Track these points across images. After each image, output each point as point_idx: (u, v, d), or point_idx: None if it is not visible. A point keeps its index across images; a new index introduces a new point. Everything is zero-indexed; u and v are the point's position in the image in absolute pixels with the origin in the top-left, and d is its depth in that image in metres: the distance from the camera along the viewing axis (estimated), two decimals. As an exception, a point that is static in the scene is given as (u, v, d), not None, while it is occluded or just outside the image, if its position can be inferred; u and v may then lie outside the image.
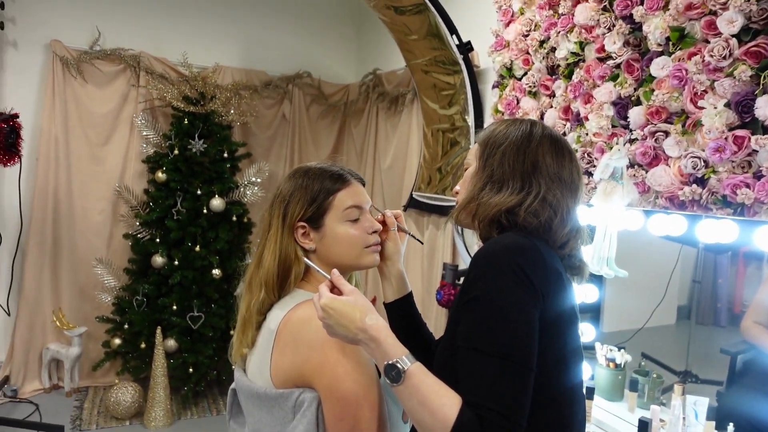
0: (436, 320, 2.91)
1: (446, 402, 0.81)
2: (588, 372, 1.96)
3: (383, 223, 1.15)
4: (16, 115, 2.71)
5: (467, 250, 2.63)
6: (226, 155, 3.45)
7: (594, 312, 2.09)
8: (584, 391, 1.06)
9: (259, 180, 3.53)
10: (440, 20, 2.62)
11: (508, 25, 2.46)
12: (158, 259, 3.30)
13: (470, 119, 2.74)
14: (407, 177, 3.37)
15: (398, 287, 1.15)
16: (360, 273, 1.21)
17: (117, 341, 3.33)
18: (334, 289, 0.92)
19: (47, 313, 3.36)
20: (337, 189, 1.05)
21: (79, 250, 3.44)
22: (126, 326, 3.33)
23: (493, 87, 2.56)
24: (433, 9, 2.59)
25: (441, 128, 3.02)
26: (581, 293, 1.95)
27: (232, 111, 3.53)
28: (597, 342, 1.99)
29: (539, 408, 0.87)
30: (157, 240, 3.35)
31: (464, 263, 2.69)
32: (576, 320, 0.97)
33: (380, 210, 1.15)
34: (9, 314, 3.20)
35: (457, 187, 1.07)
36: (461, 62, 2.68)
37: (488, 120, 2.64)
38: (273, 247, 1.03)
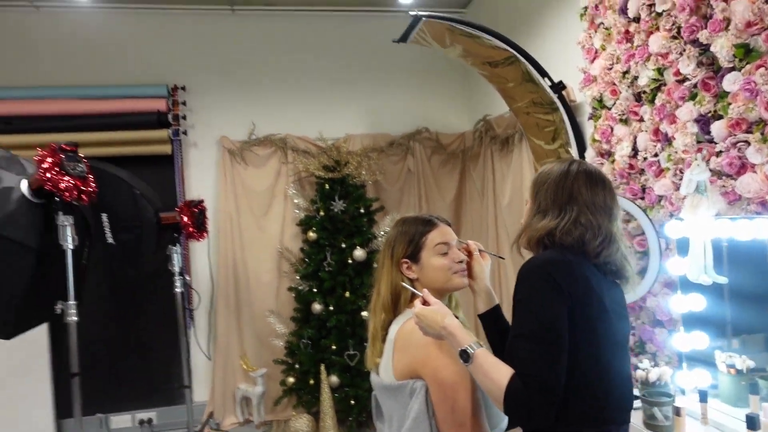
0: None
1: (502, 374, 1.15)
2: (707, 378, 2.02)
3: (469, 251, 1.49)
4: (202, 201, 3.49)
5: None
6: (362, 211, 3.98)
7: (709, 320, 2.14)
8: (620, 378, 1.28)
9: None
10: (531, 67, 2.91)
11: (593, 61, 2.69)
12: (317, 306, 3.87)
13: (573, 151, 2.95)
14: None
15: (487, 301, 1.46)
16: (459, 294, 1.54)
17: (291, 380, 3.91)
18: (425, 302, 1.28)
19: (236, 357, 4.08)
20: (428, 231, 1.43)
21: (254, 304, 4.14)
22: (297, 366, 3.91)
23: (589, 119, 2.77)
24: (522, 59, 2.90)
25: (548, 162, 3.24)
26: (686, 303, 2.02)
27: (363, 172, 4.08)
28: (717, 350, 2.04)
29: (576, 385, 1.15)
30: (314, 290, 3.92)
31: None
32: (607, 315, 1.21)
33: (463, 241, 1.49)
34: (209, 359, 3.97)
35: (522, 219, 1.38)
36: (557, 101, 2.92)
37: (590, 149, 2.83)
38: (386, 280, 1.42)
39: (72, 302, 2.52)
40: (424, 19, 2.85)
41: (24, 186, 2.43)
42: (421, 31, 3.00)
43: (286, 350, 3.98)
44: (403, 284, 1.39)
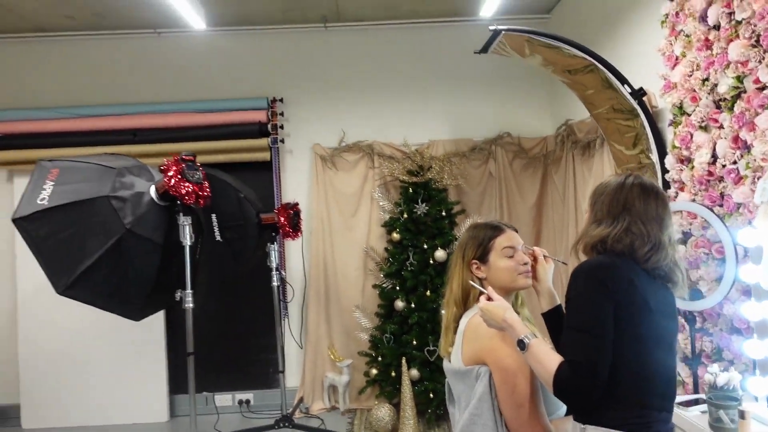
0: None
1: (552, 361, 1.32)
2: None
3: (534, 256, 1.64)
4: (297, 203, 3.83)
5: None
6: (443, 213, 4.17)
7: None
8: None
9: (473, 231, 4.15)
10: (610, 75, 2.96)
11: (673, 68, 2.71)
12: (399, 304, 4.10)
13: (654, 157, 2.97)
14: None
15: (549, 301, 1.61)
16: (526, 294, 1.70)
17: (374, 371, 4.17)
18: (490, 299, 1.47)
19: (324, 348, 4.41)
20: (496, 235, 1.60)
21: (342, 300, 4.45)
22: (380, 359, 4.16)
23: (669, 125, 2.79)
24: (601, 67, 2.96)
25: (629, 168, 3.26)
26: (760, 311, 2.01)
27: (445, 176, 4.26)
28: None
29: (620, 378, 1.29)
30: (397, 288, 4.16)
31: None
32: (651, 314, 1.34)
33: (529, 248, 1.65)
34: (301, 347, 4.33)
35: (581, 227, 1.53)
36: (637, 107, 2.95)
37: (669, 156, 2.85)
38: (457, 278, 1.62)
39: (189, 291, 2.92)
40: (503, 32, 2.99)
41: (152, 191, 2.87)
42: (501, 43, 3.15)
43: (370, 343, 4.24)
44: (471, 282, 1.57)
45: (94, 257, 2.63)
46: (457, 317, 1.61)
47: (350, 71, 4.55)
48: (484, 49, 3.27)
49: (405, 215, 4.18)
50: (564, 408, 1.49)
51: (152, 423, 4.27)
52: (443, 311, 1.68)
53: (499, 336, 1.46)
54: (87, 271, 2.62)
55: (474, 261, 1.61)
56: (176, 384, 4.29)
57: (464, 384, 1.52)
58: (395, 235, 4.19)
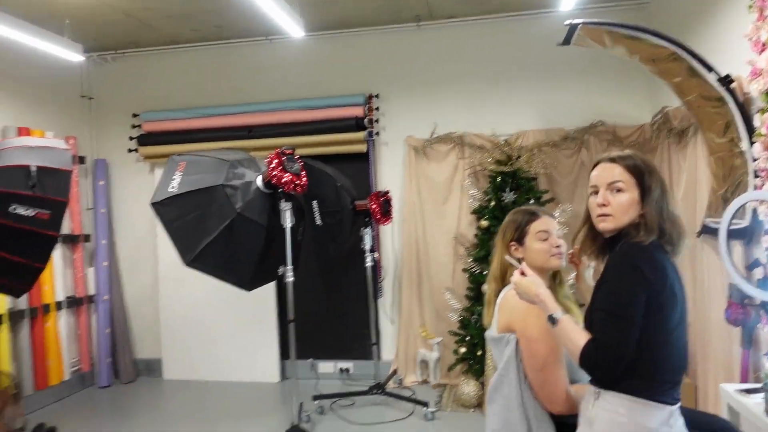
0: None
1: (580, 337, 1.46)
2: None
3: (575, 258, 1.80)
4: (388, 191, 4.16)
5: (735, 270, 2.74)
6: (531, 202, 4.26)
7: None
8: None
9: (562, 220, 4.21)
10: (695, 62, 2.92)
11: (761, 53, 2.63)
12: (486, 288, 4.28)
13: (744, 145, 2.89)
14: (699, 205, 3.54)
15: None
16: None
17: (462, 349, 4.40)
18: (523, 273, 1.64)
19: (416, 325, 4.72)
20: (532, 220, 1.79)
21: (433, 281, 4.72)
22: (467, 338, 4.38)
23: (755, 112, 2.71)
24: (685, 55, 2.92)
25: (720, 156, 3.18)
26: None
27: (534, 165, 4.35)
28: None
29: (644, 352, 1.42)
30: (485, 273, 4.34)
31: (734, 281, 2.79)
32: (675, 299, 1.45)
33: (560, 237, 1.81)
34: (393, 323, 4.70)
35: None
36: (725, 94, 2.88)
37: (758, 143, 2.76)
38: (498, 257, 1.83)
39: (290, 267, 3.37)
40: (580, 25, 3.06)
41: (259, 180, 3.34)
42: (581, 35, 3.21)
43: (459, 323, 4.48)
44: (507, 258, 1.77)
45: (212, 236, 3.16)
46: (496, 292, 1.82)
47: (441, 66, 4.76)
48: (566, 41, 3.33)
49: (493, 203, 4.33)
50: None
51: (266, 383, 4.87)
52: (485, 287, 1.90)
53: (527, 309, 1.65)
54: (207, 247, 3.16)
55: (512, 242, 1.81)
56: (286, 350, 4.85)
57: (498, 349, 1.74)
58: (483, 222, 4.37)
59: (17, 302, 4.20)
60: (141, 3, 4.04)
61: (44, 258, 2.84)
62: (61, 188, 2.80)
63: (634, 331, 1.41)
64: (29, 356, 4.34)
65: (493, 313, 1.83)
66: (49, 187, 2.70)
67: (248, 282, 3.43)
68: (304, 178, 3.28)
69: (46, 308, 4.48)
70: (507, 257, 1.78)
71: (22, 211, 2.60)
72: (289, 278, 3.39)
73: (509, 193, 4.26)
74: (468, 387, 4.17)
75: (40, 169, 2.71)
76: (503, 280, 1.81)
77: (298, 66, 4.94)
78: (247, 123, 4.86)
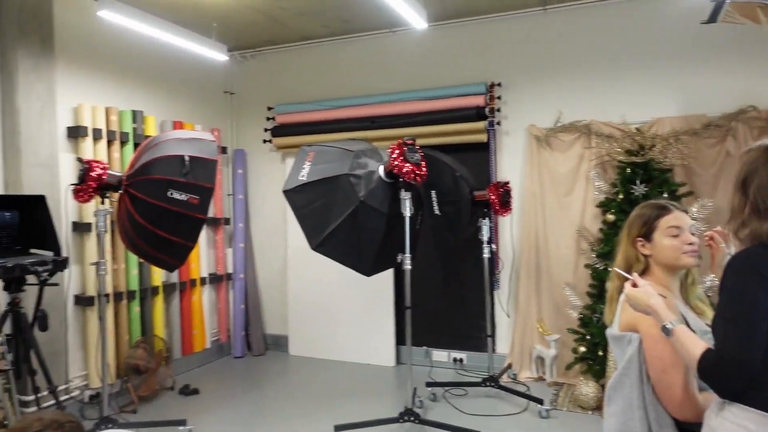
0: None
1: (697, 347, 1.39)
2: None
3: (712, 241, 1.68)
4: (508, 182, 4.10)
5: None
6: (665, 196, 3.96)
7: None
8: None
9: (701, 216, 3.88)
10: None
11: None
12: (609, 285, 4.07)
13: None
14: None
15: None
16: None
17: (582, 349, 4.23)
18: (635, 285, 1.58)
19: (533, 320, 4.62)
20: (662, 215, 1.69)
21: (553, 275, 4.58)
22: (588, 337, 4.21)
23: None
24: None
25: None
26: None
27: (670, 156, 4.03)
28: None
29: None
30: (610, 270, 4.12)
31: None
32: None
33: (700, 228, 1.68)
34: (508, 317, 4.64)
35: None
36: None
37: None
38: (622, 254, 1.75)
39: (408, 254, 3.46)
40: (729, 0, 2.79)
41: (381, 170, 3.46)
42: (729, 12, 2.93)
43: (579, 321, 4.31)
44: (617, 269, 1.70)
45: (337, 222, 3.34)
46: (619, 289, 1.75)
47: (568, 51, 4.56)
48: (712, 19, 3.07)
49: (621, 196, 4.10)
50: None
51: (382, 366, 5.06)
52: (608, 283, 1.83)
53: None
54: (332, 233, 3.36)
55: (639, 239, 1.72)
56: (402, 336, 4.99)
57: (618, 347, 1.67)
58: (609, 216, 4.15)
59: (170, 276, 4.76)
60: (277, 2, 4.33)
61: (194, 237, 3.21)
62: (209, 175, 3.14)
63: (758, 339, 1.31)
64: (178, 325, 4.91)
65: (615, 311, 1.76)
66: (199, 175, 3.06)
67: (369, 267, 3.58)
68: (424, 169, 3.34)
69: (192, 283, 5.03)
70: (617, 269, 1.70)
71: (177, 195, 2.98)
72: (407, 266, 3.48)
73: (640, 186, 4.00)
74: (587, 388, 4.01)
75: (192, 158, 3.07)
76: (626, 279, 1.73)
77: (420, 56, 5.01)
78: (370, 114, 5.03)
